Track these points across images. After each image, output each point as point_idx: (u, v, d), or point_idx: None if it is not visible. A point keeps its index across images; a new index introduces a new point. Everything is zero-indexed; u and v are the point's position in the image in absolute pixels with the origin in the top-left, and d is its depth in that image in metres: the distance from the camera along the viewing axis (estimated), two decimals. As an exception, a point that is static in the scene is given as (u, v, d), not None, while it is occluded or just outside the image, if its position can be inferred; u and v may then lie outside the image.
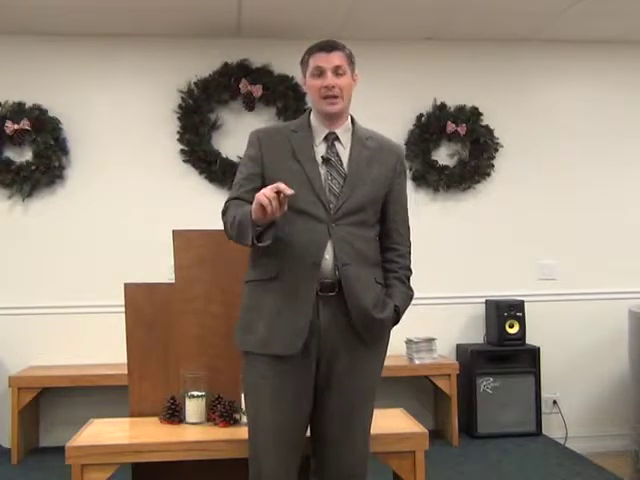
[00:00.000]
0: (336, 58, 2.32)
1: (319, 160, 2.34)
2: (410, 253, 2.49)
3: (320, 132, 2.38)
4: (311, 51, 2.36)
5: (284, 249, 2.27)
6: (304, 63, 2.39)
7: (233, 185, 2.44)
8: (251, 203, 2.18)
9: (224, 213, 2.37)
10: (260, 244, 2.21)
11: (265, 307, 2.29)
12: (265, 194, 2.09)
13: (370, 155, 2.39)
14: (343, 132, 2.40)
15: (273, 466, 2.26)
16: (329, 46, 2.33)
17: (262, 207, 2.09)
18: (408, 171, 4.83)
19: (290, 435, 2.27)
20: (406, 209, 2.51)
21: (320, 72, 2.32)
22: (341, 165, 2.35)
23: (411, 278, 2.47)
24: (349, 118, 2.43)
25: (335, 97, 2.32)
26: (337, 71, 2.31)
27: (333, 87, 2.30)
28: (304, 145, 2.35)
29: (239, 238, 2.28)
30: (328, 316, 2.28)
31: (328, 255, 2.27)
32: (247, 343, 2.32)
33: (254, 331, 2.30)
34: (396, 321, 2.39)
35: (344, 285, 2.27)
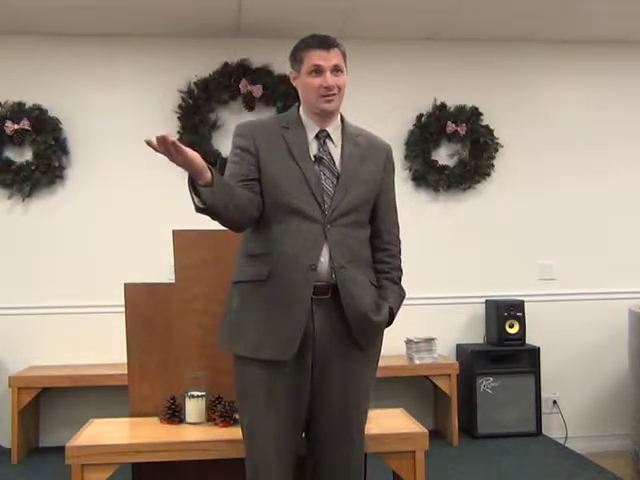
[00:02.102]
0: (334, 57, 2.27)
1: (312, 159, 2.29)
2: (400, 253, 2.46)
3: (311, 129, 2.33)
4: (307, 47, 2.28)
5: (277, 250, 2.23)
6: (298, 59, 2.30)
7: (226, 176, 2.31)
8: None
9: None
10: (202, 205, 2.07)
11: (256, 310, 2.24)
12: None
13: (361, 153, 2.36)
14: (334, 130, 2.35)
15: (270, 469, 2.23)
16: (327, 44, 2.27)
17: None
18: (408, 171, 4.85)
19: (287, 438, 2.25)
20: (396, 208, 2.47)
21: (319, 71, 2.26)
22: (333, 164, 2.31)
23: (403, 278, 2.44)
24: (339, 115, 2.39)
25: (334, 95, 2.28)
26: (335, 70, 2.27)
27: (332, 87, 2.27)
28: (298, 143, 2.29)
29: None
30: (322, 319, 2.25)
31: (324, 257, 2.23)
32: (237, 347, 2.27)
33: (244, 335, 2.25)
34: (389, 323, 2.37)
35: (341, 288, 2.24)
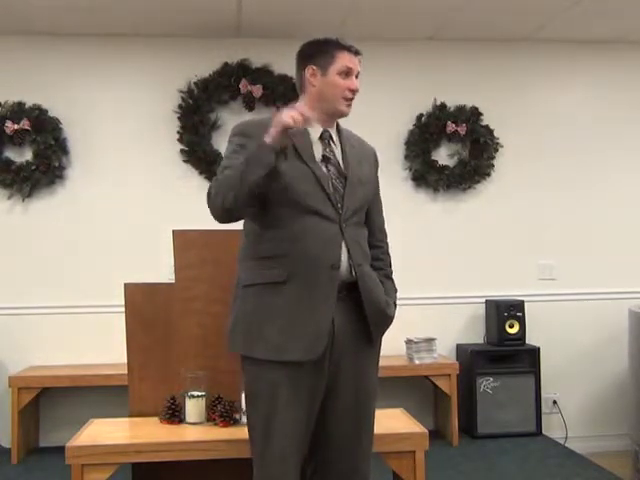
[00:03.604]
0: (358, 64, 2.33)
1: (318, 159, 2.29)
2: (389, 248, 2.51)
3: (314, 130, 2.31)
4: (340, 47, 2.29)
5: (296, 251, 2.20)
6: (329, 56, 2.28)
7: (223, 167, 2.26)
8: None
9: (210, 188, 2.23)
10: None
11: (276, 311, 2.20)
12: (288, 114, 2.07)
13: (358, 154, 2.39)
14: (334, 131, 2.38)
15: (287, 469, 2.20)
16: (355, 50, 2.32)
17: (284, 127, 2.06)
18: (408, 171, 4.86)
19: (303, 437, 2.24)
20: (382, 207, 2.52)
21: (349, 73, 2.29)
22: (339, 164, 2.32)
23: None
24: None
25: (352, 100, 2.32)
26: (357, 76, 2.32)
27: (356, 91, 2.31)
28: (304, 143, 2.27)
29: (248, 173, 2.10)
30: (341, 317, 2.25)
31: (344, 256, 2.24)
32: (256, 350, 2.22)
33: (264, 337, 2.21)
34: None
35: (361, 285, 2.26)
